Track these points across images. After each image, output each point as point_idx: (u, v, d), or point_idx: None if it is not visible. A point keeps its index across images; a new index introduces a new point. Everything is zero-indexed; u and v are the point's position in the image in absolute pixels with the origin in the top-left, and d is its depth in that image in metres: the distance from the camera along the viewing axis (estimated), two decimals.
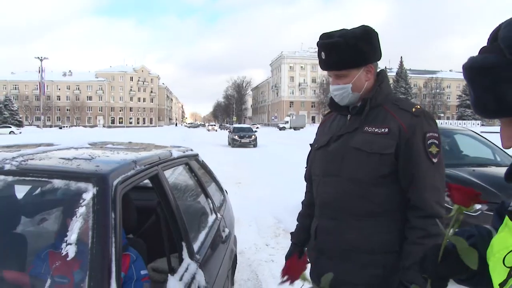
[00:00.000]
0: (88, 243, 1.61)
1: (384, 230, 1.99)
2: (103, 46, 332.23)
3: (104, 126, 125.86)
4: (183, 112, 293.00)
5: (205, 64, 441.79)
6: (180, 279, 2.20)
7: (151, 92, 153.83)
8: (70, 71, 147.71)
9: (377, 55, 2.09)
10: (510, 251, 0.96)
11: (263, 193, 11.13)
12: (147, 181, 2.48)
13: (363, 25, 2.06)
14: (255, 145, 32.30)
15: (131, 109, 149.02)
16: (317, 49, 2.10)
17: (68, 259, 1.57)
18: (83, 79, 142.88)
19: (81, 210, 1.72)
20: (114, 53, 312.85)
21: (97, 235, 1.64)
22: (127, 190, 2.01)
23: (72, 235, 1.63)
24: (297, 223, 2.45)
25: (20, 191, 2.22)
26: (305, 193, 2.44)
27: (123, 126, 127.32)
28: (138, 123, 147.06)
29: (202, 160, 3.93)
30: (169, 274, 2.10)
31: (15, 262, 1.94)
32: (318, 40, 2.07)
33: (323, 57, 2.05)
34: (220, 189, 4.29)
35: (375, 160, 1.97)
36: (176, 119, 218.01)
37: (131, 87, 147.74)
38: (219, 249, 3.16)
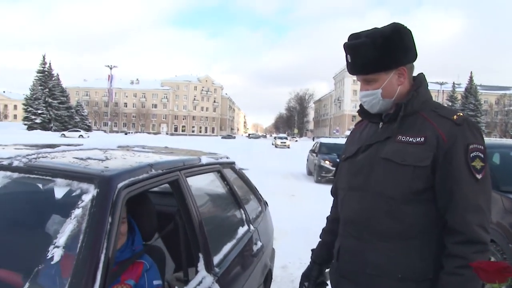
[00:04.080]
0: (76, 248, 1.49)
1: (416, 255, 1.72)
2: (170, 56, 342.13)
3: (167, 134, 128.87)
4: (245, 122, 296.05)
5: (270, 76, 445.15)
6: None
7: (214, 101, 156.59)
8: (137, 79, 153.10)
9: (411, 56, 1.83)
10: None
11: (316, 207, 10.91)
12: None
13: (394, 23, 1.81)
14: None
15: (194, 117, 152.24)
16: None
17: (52, 263, 1.46)
18: (149, 87, 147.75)
19: (77, 212, 1.61)
20: (180, 63, 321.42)
21: (87, 239, 1.52)
22: (134, 194, 1.90)
23: (61, 238, 1.52)
24: (319, 239, 2.25)
25: (25, 189, 2.15)
26: (331, 207, 2.22)
27: (186, 134, 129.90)
28: (200, 131, 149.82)
29: (239, 169, 3.78)
30: (176, 287, 1.96)
31: (10, 261, 1.85)
32: (345, 42, 1.85)
33: (349, 60, 1.82)
34: (259, 200, 4.12)
35: (407, 174, 1.70)
36: (238, 129, 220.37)
37: (195, 96, 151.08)
38: (246, 263, 2.98)
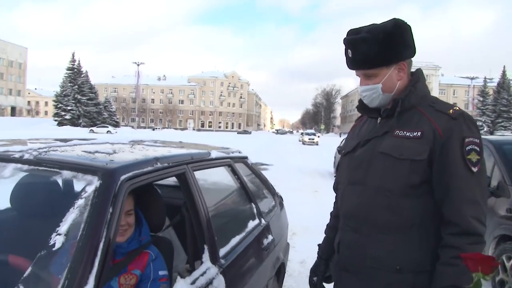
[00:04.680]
0: (77, 235, 1.57)
1: (415, 248, 1.75)
2: (197, 53, 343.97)
3: (194, 129, 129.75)
4: (272, 118, 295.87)
5: (297, 72, 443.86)
6: (193, 283, 2.11)
7: (241, 97, 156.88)
8: (164, 75, 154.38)
9: (410, 51, 1.85)
10: None
11: None
12: None
13: (394, 18, 1.83)
14: None
15: (220, 113, 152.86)
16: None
17: (53, 249, 1.53)
18: (176, 83, 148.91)
19: (80, 202, 1.69)
20: (206, 59, 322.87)
21: (87, 228, 1.59)
22: (141, 187, 1.99)
23: (64, 226, 1.60)
24: (324, 235, 2.28)
25: (34, 180, 2.25)
26: (334, 203, 2.25)
27: (212, 130, 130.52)
28: (226, 127, 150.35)
29: (252, 163, 3.83)
30: (178, 276, 2.02)
31: (20, 248, 1.96)
32: (345, 36, 1.87)
33: (350, 55, 1.85)
34: (272, 194, 4.16)
35: (405, 167, 1.74)
36: (264, 125, 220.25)
37: (221, 92, 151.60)
38: (255, 256, 3.02)
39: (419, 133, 1.75)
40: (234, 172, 3.31)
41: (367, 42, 1.78)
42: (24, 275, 1.50)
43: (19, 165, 1.96)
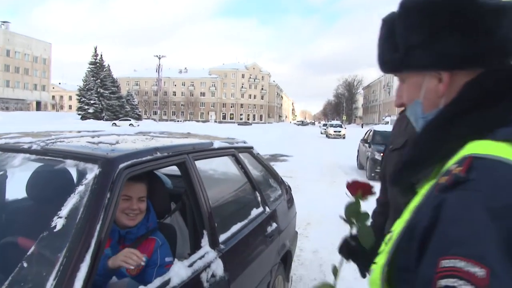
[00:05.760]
0: (76, 218, 1.70)
1: None
2: (218, 45, 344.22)
3: (215, 121, 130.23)
4: (293, 109, 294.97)
5: (318, 64, 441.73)
6: (190, 265, 2.23)
7: (262, 89, 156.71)
8: (185, 68, 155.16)
9: None
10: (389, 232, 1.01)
11: None
12: None
13: None
14: None
15: (241, 105, 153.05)
16: None
17: (55, 230, 1.66)
18: (197, 76, 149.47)
19: (80, 188, 1.82)
20: (227, 52, 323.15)
21: (86, 211, 1.72)
22: (136, 174, 2.10)
23: (65, 210, 1.73)
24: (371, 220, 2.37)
25: (41, 169, 2.41)
26: (380, 190, 2.29)
27: (234, 122, 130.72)
28: (248, 119, 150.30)
29: (258, 153, 3.93)
30: (175, 259, 2.14)
31: (28, 231, 2.11)
32: None
33: None
34: (279, 183, 4.25)
35: None
36: (286, 116, 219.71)
37: (243, 84, 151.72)
38: (257, 242, 3.14)
39: None
40: (238, 162, 3.42)
41: None
42: (28, 253, 1.64)
43: (27, 155, 2.12)
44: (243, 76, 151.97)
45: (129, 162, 2.03)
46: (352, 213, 1.43)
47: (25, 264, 1.60)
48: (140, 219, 2.40)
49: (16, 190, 2.56)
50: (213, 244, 2.50)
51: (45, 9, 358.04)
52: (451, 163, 0.89)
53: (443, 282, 0.73)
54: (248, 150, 3.76)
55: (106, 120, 78.76)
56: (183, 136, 3.24)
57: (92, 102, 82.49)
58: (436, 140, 0.96)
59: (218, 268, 2.40)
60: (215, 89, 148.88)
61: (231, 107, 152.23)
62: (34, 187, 2.43)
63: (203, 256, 2.35)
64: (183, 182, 2.59)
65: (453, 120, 0.94)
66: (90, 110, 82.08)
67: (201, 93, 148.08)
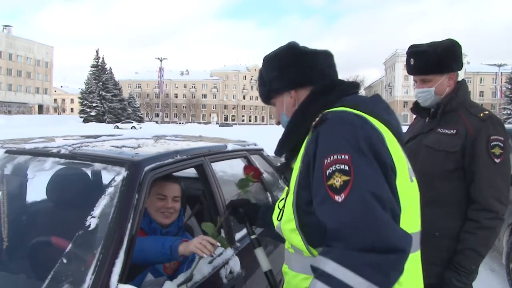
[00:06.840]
0: (109, 218, 1.83)
1: (449, 219, 2.30)
2: (220, 47, 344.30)
3: (217, 123, 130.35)
4: None
5: None
6: (210, 262, 2.35)
7: None
8: (187, 70, 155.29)
9: (459, 65, 2.42)
10: (281, 199, 1.68)
11: None
12: None
13: (449, 39, 2.41)
14: None
15: (243, 107, 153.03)
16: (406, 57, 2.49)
17: (89, 229, 1.80)
18: (199, 78, 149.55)
19: (110, 189, 1.95)
20: (229, 53, 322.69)
21: (117, 211, 1.85)
22: (160, 176, 2.22)
23: (97, 210, 1.86)
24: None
25: (70, 172, 2.54)
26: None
27: (236, 124, 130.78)
28: (250, 121, 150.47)
29: (268, 155, 4.05)
30: (197, 256, 2.26)
31: (62, 230, 2.24)
32: (408, 49, 2.45)
33: (412, 63, 2.41)
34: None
35: (441, 156, 2.32)
36: None
37: (244, 85, 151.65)
38: (270, 240, 3.24)
39: (454, 131, 2.31)
40: (250, 163, 3.53)
41: (428, 53, 2.35)
42: (65, 251, 1.77)
43: (56, 159, 2.24)
44: (244, 77, 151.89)
45: (153, 165, 2.16)
46: (241, 186, 2.38)
47: (64, 261, 1.73)
48: (175, 218, 2.57)
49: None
50: (230, 242, 2.62)
51: (47, 12, 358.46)
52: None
53: (329, 170, 1.27)
54: (259, 152, 3.88)
55: (109, 122, 78.83)
56: (198, 139, 3.36)
57: (94, 105, 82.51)
58: (297, 122, 1.56)
59: (235, 265, 2.53)
60: (217, 91, 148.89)
61: (233, 108, 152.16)
62: (57, 189, 2.56)
63: (221, 254, 2.48)
64: (200, 184, 2.71)
65: (304, 110, 1.57)
66: (92, 113, 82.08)
67: (202, 95, 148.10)
